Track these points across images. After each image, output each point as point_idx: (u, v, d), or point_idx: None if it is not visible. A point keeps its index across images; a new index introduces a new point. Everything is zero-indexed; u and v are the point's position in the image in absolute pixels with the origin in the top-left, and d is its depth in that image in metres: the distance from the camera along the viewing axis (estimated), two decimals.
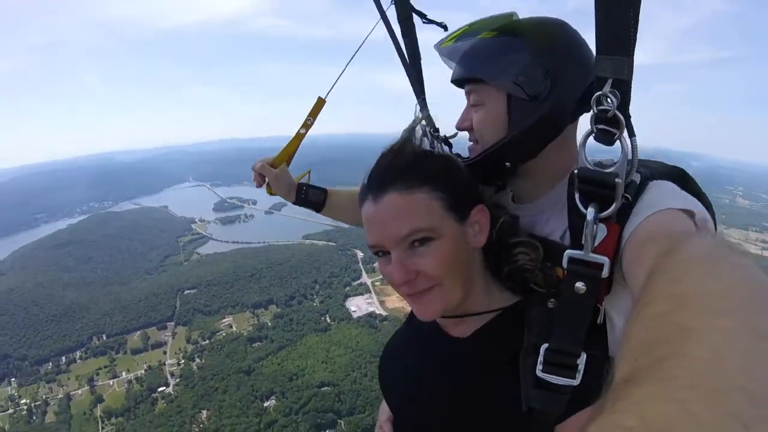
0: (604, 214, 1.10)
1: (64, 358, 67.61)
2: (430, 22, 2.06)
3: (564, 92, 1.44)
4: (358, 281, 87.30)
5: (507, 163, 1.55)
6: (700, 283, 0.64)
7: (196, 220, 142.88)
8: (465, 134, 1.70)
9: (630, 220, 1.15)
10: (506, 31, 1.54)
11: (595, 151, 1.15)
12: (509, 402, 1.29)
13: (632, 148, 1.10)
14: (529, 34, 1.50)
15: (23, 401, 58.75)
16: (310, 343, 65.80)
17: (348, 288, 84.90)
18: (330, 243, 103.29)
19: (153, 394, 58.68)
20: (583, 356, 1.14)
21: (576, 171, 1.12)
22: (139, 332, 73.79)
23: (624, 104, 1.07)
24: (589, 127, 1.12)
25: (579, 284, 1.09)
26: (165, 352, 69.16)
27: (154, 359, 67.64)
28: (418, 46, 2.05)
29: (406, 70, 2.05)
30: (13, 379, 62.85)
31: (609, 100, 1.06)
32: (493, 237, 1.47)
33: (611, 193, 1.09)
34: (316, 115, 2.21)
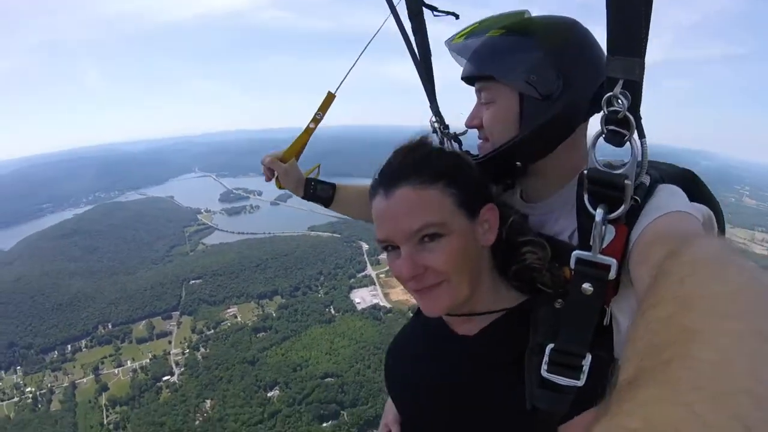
0: (613, 215, 1.10)
1: (69, 346, 67.97)
2: (442, 13, 2.04)
3: (576, 92, 1.44)
4: (363, 273, 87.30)
5: (517, 162, 1.54)
6: (706, 285, 0.64)
7: (202, 210, 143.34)
8: (472, 131, 1.70)
9: (638, 222, 1.14)
10: (518, 30, 1.53)
11: (606, 150, 1.14)
12: (508, 400, 1.31)
13: (642, 149, 1.09)
14: (541, 33, 1.49)
15: (28, 389, 59.12)
16: (315, 334, 65.87)
17: (352, 280, 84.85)
18: (335, 234, 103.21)
19: (158, 383, 58.98)
20: (588, 357, 1.13)
21: (585, 172, 1.12)
22: (144, 321, 74.06)
23: (635, 105, 1.06)
24: (600, 127, 1.11)
25: (586, 285, 1.09)
26: (170, 342, 69.42)
27: (159, 348, 67.95)
28: (428, 43, 2.05)
29: (417, 68, 2.05)
30: (18, 368, 63.23)
31: (619, 101, 1.05)
32: (502, 236, 1.47)
33: (620, 194, 1.08)
34: (326, 110, 2.20)
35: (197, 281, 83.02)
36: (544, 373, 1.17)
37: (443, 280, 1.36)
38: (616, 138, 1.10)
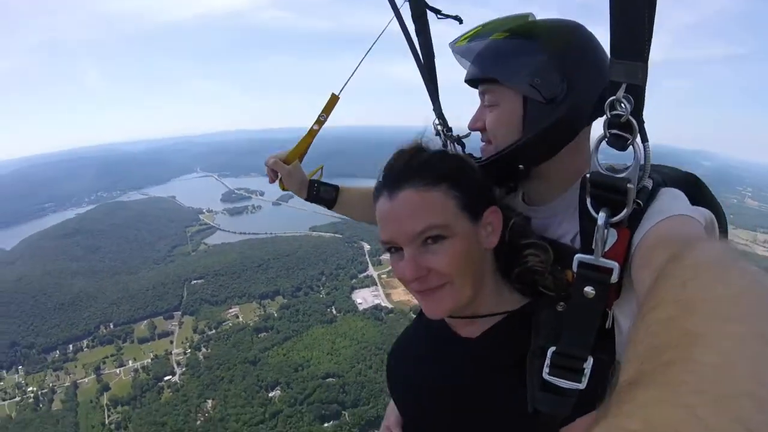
0: (615, 219, 1.10)
1: (71, 346, 68.02)
2: (445, 16, 2.03)
3: (580, 96, 1.44)
4: (365, 273, 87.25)
5: (520, 165, 1.54)
6: (708, 288, 0.63)
7: (204, 210, 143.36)
8: (475, 134, 1.70)
9: (641, 226, 1.14)
10: (522, 33, 1.53)
11: (610, 153, 1.14)
12: (509, 403, 1.31)
13: (645, 153, 1.10)
14: (545, 37, 1.49)
15: (30, 389, 59.17)
16: (316, 334, 65.85)
17: (354, 280, 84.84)
18: (337, 235, 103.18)
19: (159, 383, 59.01)
20: (590, 360, 1.13)
21: (588, 175, 1.12)
22: (146, 321, 74.04)
23: (637, 109, 1.06)
24: (603, 131, 1.11)
25: (588, 288, 1.09)
26: (172, 342, 69.40)
27: (161, 348, 67.97)
28: (432, 45, 2.05)
29: (420, 70, 2.05)
30: (20, 367, 63.29)
31: (622, 105, 1.05)
32: (505, 238, 1.47)
33: (623, 198, 1.09)
34: (330, 112, 2.21)
35: (199, 281, 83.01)
36: (546, 376, 1.17)
37: (446, 282, 1.36)
38: (618, 142, 1.10)
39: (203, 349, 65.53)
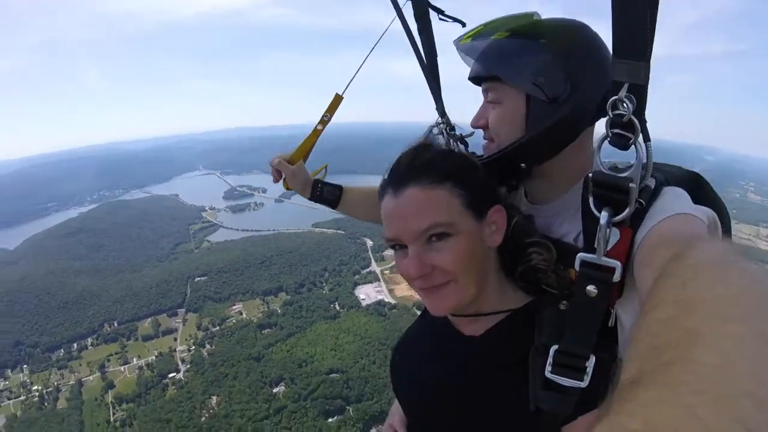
0: (618, 218, 1.10)
1: (75, 344, 68.20)
2: (448, 18, 2.03)
3: (583, 95, 1.44)
4: (368, 269, 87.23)
5: (522, 164, 1.55)
6: (708, 288, 0.63)
7: (207, 208, 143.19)
8: (478, 132, 1.71)
9: (643, 225, 1.14)
10: (526, 32, 1.53)
11: (613, 151, 1.13)
12: (513, 401, 1.31)
13: (647, 153, 1.10)
14: (549, 36, 1.49)
15: (35, 388, 59.34)
16: (320, 330, 65.93)
17: (357, 276, 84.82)
18: (339, 231, 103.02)
19: (163, 380, 59.11)
20: (592, 359, 1.13)
21: (590, 175, 1.12)
22: (150, 319, 74.10)
23: (640, 109, 1.07)
24: (605, 131, 1.12)
25: (590, 287, 1.09)
26: (176, 339, 69.45)
27: (165, 346, 68.04)
28: (434, 44, 2.05)
29: (423, 69, 2.05)
30: (25, 366, 63.49)
31: (625, 104, 1.05)
32: (508, 237, 1.48)
33: (625, 197, 1.09)
34: (333, 112, 2.21)
35: (202, 278, 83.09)
36: (548, 375, 1.17)
37: (450, 279, 1.36)
38: (621, 141, 1.10)
39: (207, 346, 65.58)
